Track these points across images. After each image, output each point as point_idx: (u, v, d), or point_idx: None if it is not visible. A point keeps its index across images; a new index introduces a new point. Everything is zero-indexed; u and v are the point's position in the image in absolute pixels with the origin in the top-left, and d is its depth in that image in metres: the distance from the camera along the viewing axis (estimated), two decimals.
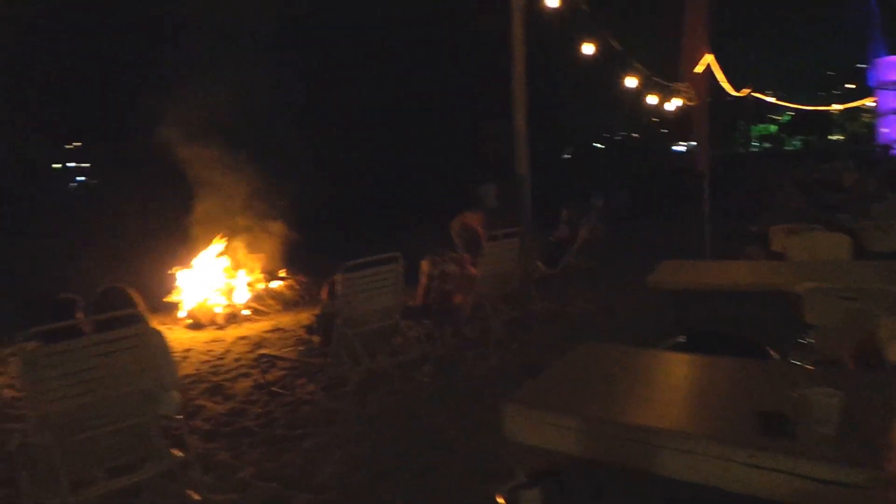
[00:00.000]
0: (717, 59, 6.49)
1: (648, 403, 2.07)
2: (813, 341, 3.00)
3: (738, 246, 6.81)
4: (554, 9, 4.98)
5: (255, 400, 4.83)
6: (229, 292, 7.78)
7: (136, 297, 3.45)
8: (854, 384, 1.97)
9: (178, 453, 3.18)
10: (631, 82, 6.62)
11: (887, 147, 20.83)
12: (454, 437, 3.94)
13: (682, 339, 2.81)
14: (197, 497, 3.23)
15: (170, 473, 3.17)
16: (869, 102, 26.68)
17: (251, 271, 8.23)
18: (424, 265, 6.48)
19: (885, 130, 24.52)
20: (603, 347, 2.54)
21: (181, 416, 3.43)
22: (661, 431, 1.79)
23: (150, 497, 3.27)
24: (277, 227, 8.44)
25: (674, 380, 2.31)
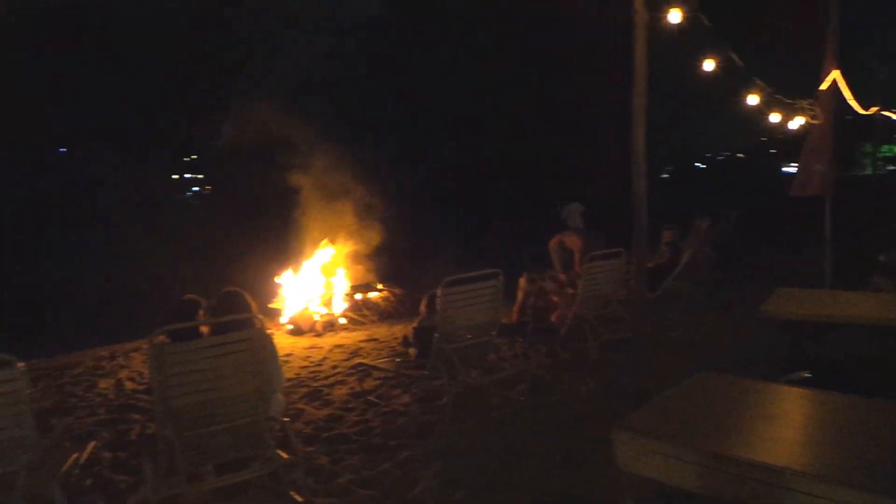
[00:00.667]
0: (844, 75, 6.07)
1: (774, 441, 1.94)
2: None
3: (862, 276, 6.31)
4: (675, 24, 4.81)
5: (352, 408, 4.94)
6: (328, 301, 8.06)
7: (252, 302, 3.64)
8: None
9: (283, 454, 3.30)
10: (752, 100, 6.29)
11: None
12: (549, 460, 3.86)
13: (806, 374, 2.62)
14: (300, 499, 3.34)
15: (275, 473, 3.30)
16: None
17: (350, 281, 8.50)
18: (522, 281, 6.45)
19: None
20: (721, 378, 2.41)
21: (287, 419, 3.57)
22: (792, 473, 1.66)
23: (256, 495, 3.41)
24: (378, 238, 8.69)
25: (802, 417, 2.15)
